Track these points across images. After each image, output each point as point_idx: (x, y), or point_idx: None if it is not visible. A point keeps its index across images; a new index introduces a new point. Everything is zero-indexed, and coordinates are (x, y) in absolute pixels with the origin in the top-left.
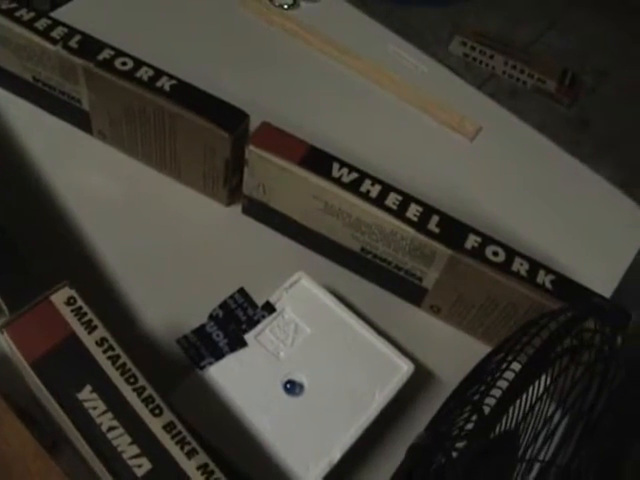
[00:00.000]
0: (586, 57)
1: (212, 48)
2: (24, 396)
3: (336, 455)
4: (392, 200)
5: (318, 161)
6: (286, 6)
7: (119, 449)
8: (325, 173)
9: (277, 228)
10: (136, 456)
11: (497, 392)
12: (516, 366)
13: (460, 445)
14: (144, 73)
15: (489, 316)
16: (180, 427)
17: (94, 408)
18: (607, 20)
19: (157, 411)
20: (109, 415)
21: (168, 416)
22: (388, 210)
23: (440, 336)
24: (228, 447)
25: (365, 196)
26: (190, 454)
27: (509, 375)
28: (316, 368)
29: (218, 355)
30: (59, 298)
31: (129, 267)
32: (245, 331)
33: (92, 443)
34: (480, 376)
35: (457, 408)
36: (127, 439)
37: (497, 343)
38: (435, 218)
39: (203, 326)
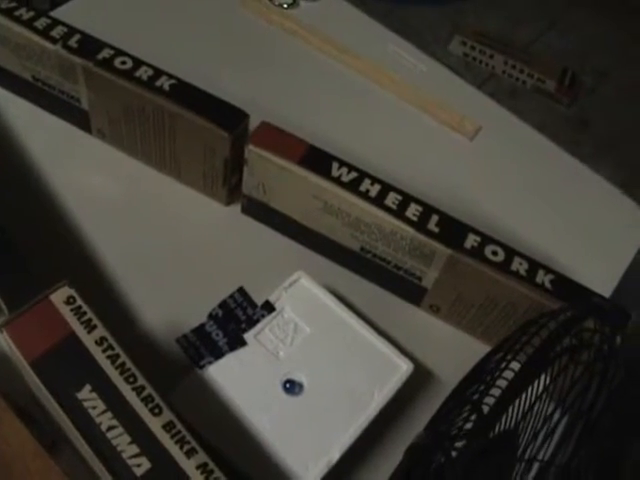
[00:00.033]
0: (586, 57)
1: (212, 47)
2: (23, 395)
3: (335, 455)
4: (392, 199)
5: (318, 160)
6: (286, 5)
7: (118, 448)
8: (325, 172)
9: (276, 227)
10: (135, 455)
11: (496, 391)
12: (515, 365)
13: (459, 445)
14: (143, 72)
15: (488, 315)
16: (179, 426)
17: (93, 407)
18: (607, 20)
19: (156, 410)
20: (108, 414)
21: (167, 415)
22: (388, 210)
23: (439, 335)
24: (227, 446)
25: (364, 195)
26: (189, 453)
27: (508, 374)
28: (315, 368)
29: (217, 354)
30: (58, 297)
31: (128, 266)
32: (244, 330)
33: (91, 442)
34: (479, 375)
35: (456, 407)
36: (126, 438)
37: (496, 342)
38: (434, 218)
39: (203, 325)
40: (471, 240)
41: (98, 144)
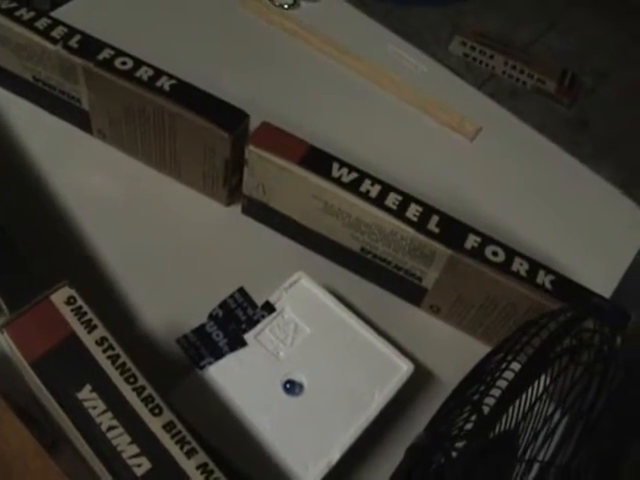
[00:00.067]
0: (586, 58)
1: (212, 48)
2: (24, 395)
3: (335, 455)
4: (392, 200)
5: (318, 161)
6: (286, 6)
7: (119, 448)
8: (325, 173)
9: (277, 228)
10: (136, 455)
11: (496, 392)
12: (516, 366)
13: (459, 445)
14: (144, 73)
15: (489, 316)
16: (180, 427)
17: (94, 407)
18: (607, 21)
19: (157, 411)
20: (109, 414)
21: (168, 416)
22: (388, 210)
23: (440, 336)
24: (228, 447)
25: (365, 196)
26: (190, 453)
27: (509, 375)
28: (316, 368)
29: (218, 355)
30: (59, 298)
31: (129, 267)
32: (245, 331)
33: (92, 442)
34: (480, 376)
35: (457, 408)
36: (127, 438)
37: (497, 343)
38: (435, 218)
39: (203, 326)
40: (471, 240)
41: (98, 144)
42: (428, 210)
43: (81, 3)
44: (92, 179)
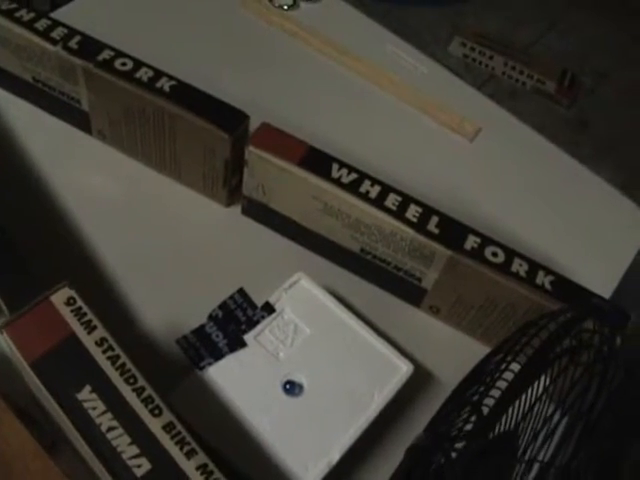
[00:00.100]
0: (585, 58)
1: (212, 49)
2: (24, 396)
3: (335, 456)
4: (392, 201)
5: (318, 162)
6: (286, 7)
7: (118, 449)
8: (325, 174)
9: (277, 229)
10: (135, 456)
11: (496, 393)
12: (515, 367)
13: (459, 446)
14: (144, 74)
15: (488, 317)
16: (179, 427)
17: (94, 408)
18: (607, 21)
19: (157, 411)
20: (109, 415)
21: (167, 416)
22: (387, 211)
23: (439, 337)
24: (227, 447)
25: (364, 197)
26: (189, 454)
27: (508, 376)
28: (315, 369)
29: (217, 355)
30: (59, 298)
31: (129, 267)
32: (244, 331)
33: (91, 443)
34: (479, 377)
35: (456, 409)
36: (126, 439)
37: (496, 344)
38: (434, 219)
39: (203, 326)
40: (471, 241)
41: (98, 145)
42: (428, 211)
43: (81, 4)
44: (92, 180)
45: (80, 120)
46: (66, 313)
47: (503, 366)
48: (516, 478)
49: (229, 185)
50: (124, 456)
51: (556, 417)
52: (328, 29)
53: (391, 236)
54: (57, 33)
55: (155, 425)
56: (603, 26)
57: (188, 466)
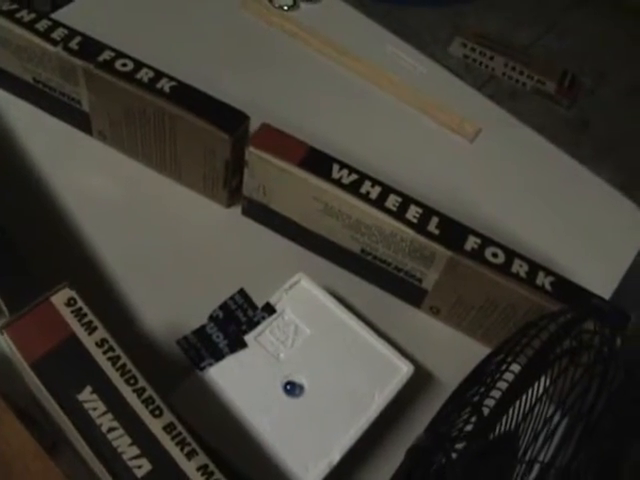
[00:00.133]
0: (585, 59)
1: (212, 49)
2: (24, 396)
3: (335, 456)
4: (392, 201)
5: (318, 162)
6: (286, 7)
7: (119, 450)
8: (325, 174)
9: (277, 229)
10: (136, 457)
11: (497, 393)
12: (516, 367)
13: (460, 446)
14: (144, 74)
15: (488, 317)
16: (180, 428)
17: (94, 409)
18: (606, 21)
19: (157, 412)
20: (109, 416)
21: (168, 417)
22: (388, 211)
23: (440, 337)
24: (228, 448)
25: (365, 197)
26: (190, 455)
27: (508, 376)
28: (316, 369)
29: (218, 356)
30: (59, 299)
31: (129, 268)
32: (245, 332)
33: (92, 444)
34: (480, 377)
35: (457, 409)
36: (127, 440)
37: (497, 344)
38: (435, 219)
39: (203, 327)
40: (471, 242)
41: (99, 146)
42: (428, 211)
43: (82, 5)
44: (92, 180)
45: (80, 121)
46: (66, 314)
47: (503, 367)
48: (516, 479)
49: (229, 186)
50: (124, 457)
51: (556, 418)
52: (328, 30)
53: (391, 237)
54: (58, 34)
55: (156, 426)
56: (602, 26)
57: (189, 467)
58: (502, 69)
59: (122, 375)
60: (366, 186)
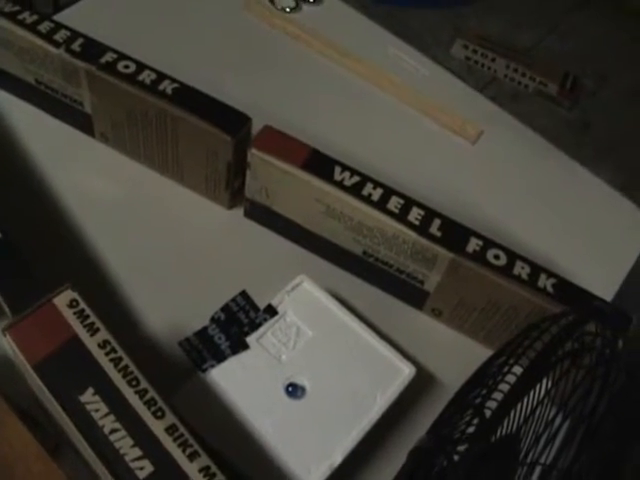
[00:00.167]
0: (587, 60)
1: (214, 51)
2: (26, 398)
3: (337, 458)
4: (394, 203)
5: (320, 164)
6: (288, 9)
7: (121, 451)
8: (327, 176)
9: (279, 231)
10: (138, 458)
11: (498, 396)
12: (517, 370)
13: (461, 448)
14: (146, 76)
15: (490, 319)
16: (182, 429)
17: (96, 410)
18: (608, 23)
19: (159, 413)
20: (111, 417)
21: (170, 418)
22: (390, 213)
23: (442, 339)
24: (230, 450)
25: (367, 199)
26: (192, 456)
27: (510, 379)
28: (318, 371)
29: (220, 358)
30: (62, 301)
31: (131, 270)
32: (247, 334)
33: (94, 445)
34: (482, 379)
35: (459, 411)
36: (129, 441)
37: (498, 347)
38: (437, 221)
39: (205, 329)
40: (473, 244)
41: (101, 148)
42: (430, 213)
43: (84, 7)
44: (94, 182)
45: (83, 122)
46: (69, 315)
47: (505, 369)
48: None
49: (232, 188)
50: (127, 458)
51: (558, 420)
52: (330, 31)
53: (393, 239)
54: (60, 36)
55: (158, 427)
56: (604, 28)
57: (191, 468)
58: (504, 71)
59: (124, 377)
60: (368, 188)
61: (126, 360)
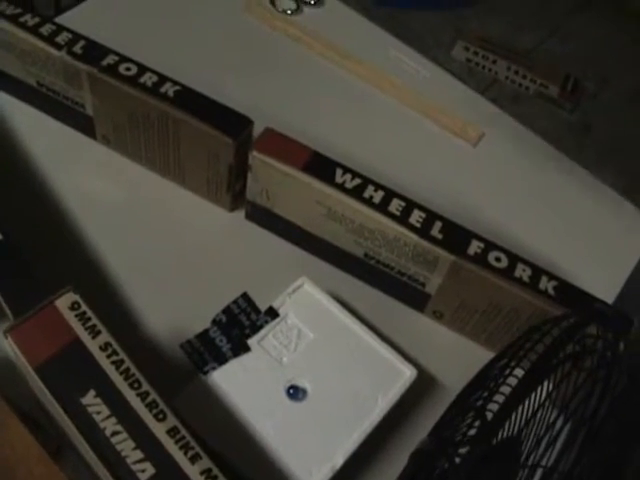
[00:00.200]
0: (588, 62)
1: (216, 54)
2: (28, 400)
3: (339, 460)
4: (395, 206)
5: (321, 167)
6: (289, 11)
7: (123, 454)
8: (328, 179)
9: (280, 233)
10: (140, 461)
11: (500, 398)
12: (519, 372)
13: (463, 451)
14: (148, 79)
15: (492, 322)
16: (184, 432)
17: (98, 413)
18: (609, 25)
19: (161, 416)
20: (113, 420)
21: (172, 421)
22: (391, 216)
23: (443, 342)
24: (231, 452)
25: (368, 202)
26: (194, 459)
27: (512, 381)
28: (319, 373)
29: (221, 360)
30: (63, 303)
31: (133, 272)
32: (248, 336)
33: (96, 448)
34: (483, 382)
35: (460, 414)
36: (131, 444)
37: (500, 349)
38: (438, 224)
39: (206, 331)
40: (474, 246)
41: (102, 150)
42: (431, 216)
43: (85, 9)
44: (96, 184)
45: (84, 125)
46: (70, 318)
47: (507, 371)
48: None
49: (233, 190)
50: (128, 461)
51: (559, 423)
52: (331, 34)
53: (395, 241)
54: (62, 38)
55: (159, 429)
56: (605, 30)
57: (192, 471)
58: (505, 73)
59: (126, 379)
60: (369, 190)
61: (128, 362)
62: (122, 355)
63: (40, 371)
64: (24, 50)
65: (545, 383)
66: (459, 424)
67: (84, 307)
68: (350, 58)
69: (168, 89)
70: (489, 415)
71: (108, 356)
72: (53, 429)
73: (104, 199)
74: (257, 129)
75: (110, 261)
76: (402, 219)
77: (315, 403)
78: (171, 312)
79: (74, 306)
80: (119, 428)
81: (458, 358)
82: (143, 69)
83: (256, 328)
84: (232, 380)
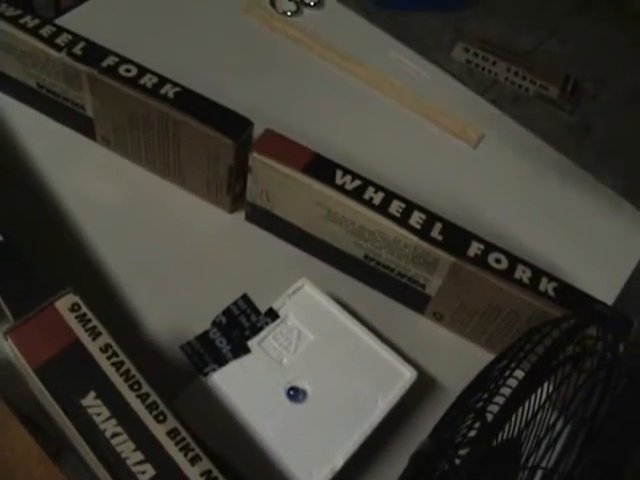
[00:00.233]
0: (587, 64)
1: (216, 55)
2: (28, 402)
3: (339, 462)
4: (395, 207)
5: (321, 168)
6: (289, 13)
7: (123, 455)
8: (328, 180)
9: (280, 235)
10: (140, 462)
11: (500, 400)
12: (519, 374)
13: (463, 452)
14: (148, 80)
15: (492, 323)
16: (184, 433)
17: (98, 414)
18: (608, 27)
19: (161, 417)
20: (113, 421)
21: (172, 422)
22: (391, 217)
23: (443, 343)
24: (231, 453)
25: (368, 203)
26: (194, 460)
27: (512, 383)
28: (319, 375)
29: (221, 362)
30: (63, 304)
31: (133, 273)
32: (248, 338)
33: (96, 449)
34: (483, 383)
35: (460, 415)
36: (131, 445)
37: (500, 351)
38: (438, 225)
39: (206, 332)
40: (474, 248)
41: (102, 151)
42: (431, 217)
43: (85, 10)
44: (96, 186)
45: (84, 126)
46: (70, 319)
47: (507, 373)
48: None
49: (233, 191)
50: (128, 462)
51: (559, 424)
52: (331, 35)
53: (395, 243)
54: (62, 39)
55: (159, 431)
56: (605, 31)
57: (192, 472)
58: (505, 74)
59: (126, 380)
60: (369, 192)
61: (128, 364)
62: (122, 356)
63: (40, 372)
64: (24, 52)
65: (545, 384)
66: (459, 426)
67: (84, 308)
68: (350, 60)
69: (168, 90)
70: (489, 417)
71: (108, 357)
72: (53, 430)
73: (104, 200)
74: (257, 130)
75: (110, 262)
76: (402, 221)
77: (315, 404)
78: (171, 313)
79: (74, 307)
80: (119, 429)
81: (458, 360)
82: (143, 70)
83: (256, 329)
84: (232, 381)
